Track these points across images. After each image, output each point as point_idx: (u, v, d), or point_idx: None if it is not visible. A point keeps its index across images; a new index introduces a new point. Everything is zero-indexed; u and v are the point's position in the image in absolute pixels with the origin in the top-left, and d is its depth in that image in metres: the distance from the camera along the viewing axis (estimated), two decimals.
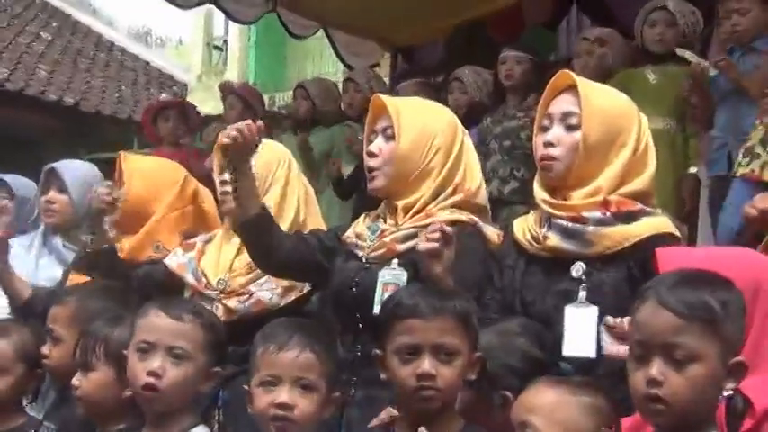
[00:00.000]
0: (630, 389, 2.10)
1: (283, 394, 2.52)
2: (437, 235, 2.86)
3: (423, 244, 2.89)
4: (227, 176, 3.41)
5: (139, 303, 3.13)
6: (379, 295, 3.08)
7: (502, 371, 2.55)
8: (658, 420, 2.06)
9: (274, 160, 3.77)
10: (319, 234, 3.46)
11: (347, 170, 6.42)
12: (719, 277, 2.15)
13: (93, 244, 4.25)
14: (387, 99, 3.34)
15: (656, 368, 2.03)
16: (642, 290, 2.14)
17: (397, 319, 2.52)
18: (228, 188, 3.40)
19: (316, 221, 3.80)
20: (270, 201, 3.61)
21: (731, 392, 2.16)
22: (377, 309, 3.02)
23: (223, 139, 3.19)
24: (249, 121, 3.22)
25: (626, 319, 2.49)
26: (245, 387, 2.62)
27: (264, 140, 3.73)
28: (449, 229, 2.88)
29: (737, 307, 2.09)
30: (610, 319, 2.56)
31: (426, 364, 2.46)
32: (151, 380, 2.70)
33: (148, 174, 4.21)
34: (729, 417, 2.22)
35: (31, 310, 4.04)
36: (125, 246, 4.05)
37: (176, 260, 3.82)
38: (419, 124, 3.25)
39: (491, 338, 2.60)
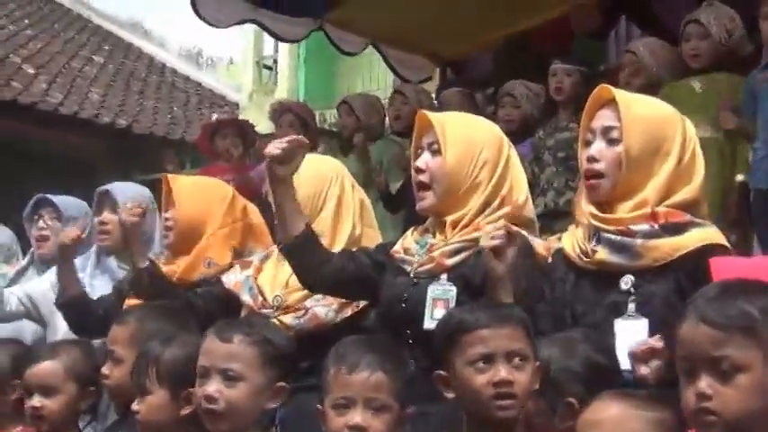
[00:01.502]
0: (682, 404, 2.11)
1: (356, 416, 2.55)
2: (502, 232, 2.89)
3: (486, 241, 2.91)
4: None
5: (201, 323, 3.20)
6: (429, 310, 3.11)
7: (565, 377, 2.56)
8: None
9: (328, 175, 3.78)
10: (369, 251, 3.48)
11: (394, 186, 6.44)
12: (757, 284, 2.16)
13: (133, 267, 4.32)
14: (431, 114, 3.37)
15: (705, 382, 2.04)
16: (684, 306, 2.15)
17: (465, 332, 2.53)
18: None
19: (372, 234, 3.83)
20: (326, 217, 3.64)
21: None
22: (427, 324, 3.06)
23: (269, 151, 3.23)
24: (294, 136, 3.26)
25: (651, 340, 2.50)
26: (319, 407, 2.65)
27: (318, 156, 3.79)
28: (514, 227, 2.92)
29: None
30: (635, 347, 2.57)
31: (503, 371, 2.47)
32: (208, 405, 2.78)
33: (197, 193, 4.26)
34: None
35: (75, 307, 4.20)
36: (179, 266, 4.10)
37: (234, 278, 3.84)
38: (465, 138, 3.27)
39: (552, 346, 2.62)
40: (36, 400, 3.38)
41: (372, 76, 12.43)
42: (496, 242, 2.88)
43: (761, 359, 2.03)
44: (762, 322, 2.03)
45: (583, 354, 2.61)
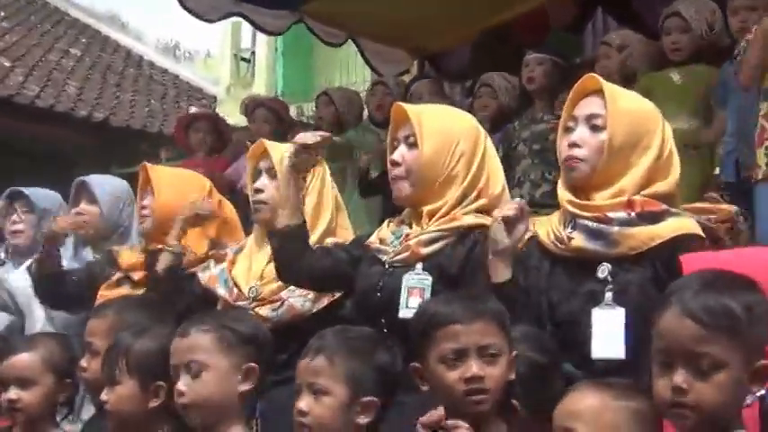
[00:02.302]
0: (654, 394, 2.12)
1: (300, 401, 2.61)
2: (517, 206, 2.92)
3: (499, 210, 2.93)
4: (260, 184, 3.56)
5: (178, 316, 3.21)
6: (404, 299, 3.12)
7: None
8: (684, 424, 2.07)
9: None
10: (346, 246, 3.51)
11: (374, 172, 6.45)
12: (742, 279, 2.15)
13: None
14: (408, 107, 3.38)
15: (681, 377, 2.04)
16: (665, 296, 2.15)
17: (437, 327, 2.52)
18: (263, 196, 3.50)
19: (345, 226, 3.85)
20: (306, 209, 3.64)
21: (763, 393, 2.18)
22: (402, 313, 3.07)
23: (304, 139, 3.29)
24: (322, 132, 3.36)
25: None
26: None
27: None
28: (527, 207, 2.94)
29: (762, 309, 2.08)
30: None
31: (474, 366, 2.47)
32: (178, 400, 2.83)
33: (176, 182, 4.33)
34: (764, 416, 2.25)
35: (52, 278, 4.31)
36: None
37: (208, 273, 3.85)
38: (441, 130, 3.28)
39: None
40: (12, 393, 3.36)
41: (351, 69, 12.41)
42: (511, 212, 2.89)
43: (740, 358, 2.03)
44: (745, 321, 2.03)
45: (522, 354, 2.60)
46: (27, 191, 4.98)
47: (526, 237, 3.17)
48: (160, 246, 4.07)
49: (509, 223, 2.90)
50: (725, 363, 2.03)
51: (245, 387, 2.85)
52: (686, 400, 2.03)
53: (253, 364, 2.85)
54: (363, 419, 2.61)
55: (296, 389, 2.65)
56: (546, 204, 5.44)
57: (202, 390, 2.81)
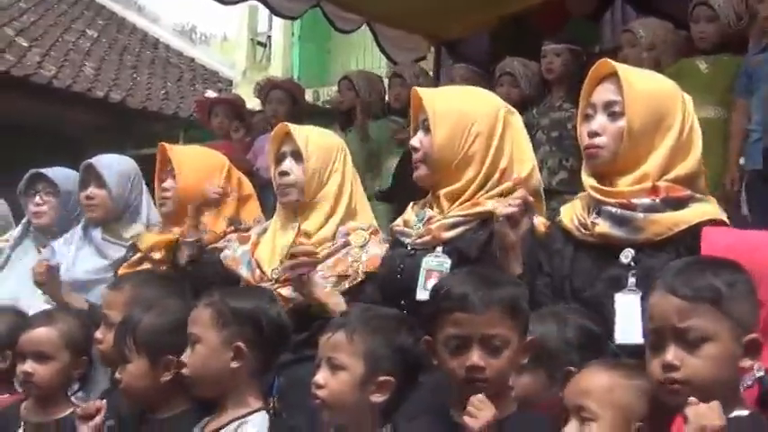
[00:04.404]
0: (649, 376, 2.18)
1: (317, 375, 2.63)
2: (519, 201, 2.90)
3: (503, 207, 2.92)
4: (286, 167, 3.60)
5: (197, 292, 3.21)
6: (422, 281, 3.12)
7: (561, 347, 2.61)
8: (678, 400, 2.10)
9: (333, 148, 3.78)
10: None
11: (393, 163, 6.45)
12: (725, 261, 2.24)
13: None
14: (422, 91, 3.38)
15: (672, 353, 2.12)
16: (653, 280, 2.23)
17: (445, 311, 2.52)
18: (289, 179, 3.58)
19: (365, 209, 3.83)
20: (329, 191, 3.66)
21: (762, 373, 2.24)
22: (420, 294, 3.07)
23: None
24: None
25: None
26: None
27: (323, 130, 3.84)
28: (530, 198, 2.93)
29: (745, 287, 2.17)
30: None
31: (475, 356, 2.47)
32: (183, 370, 2.89)
33: (196, 162, 4.30)
34: (763, 397, 2.28)
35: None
36: (175, 233, 4.12)
37: (231, 254, 3.83)
38: (455, 112, 3.27)
39: (544, 321, 2.64)
40: (28, 366, 3.37)
41: (367, 54, 12.40)
42: (512, 209, 2.89)
43: (727, 330, 2.11)
44: (727, 295, 2.12)
45: (574, 323, 2.66)
46: (49, 173, 4.93)
47: (546, 223, 3.17)
48: (178, 235, 4.07)
49: (512, 219, 2.90)
50: (711, 335, 2.10)
51: (235, 365, 2.85)
52: (678, 375, 2.10)
53: (240, 344, 2.85)
54: (378, 398, 2.61)
55: (316, 362, 2.66)
56: (562, 192, 5.46)
57: (195, 362, 2.86)
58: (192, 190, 4.15)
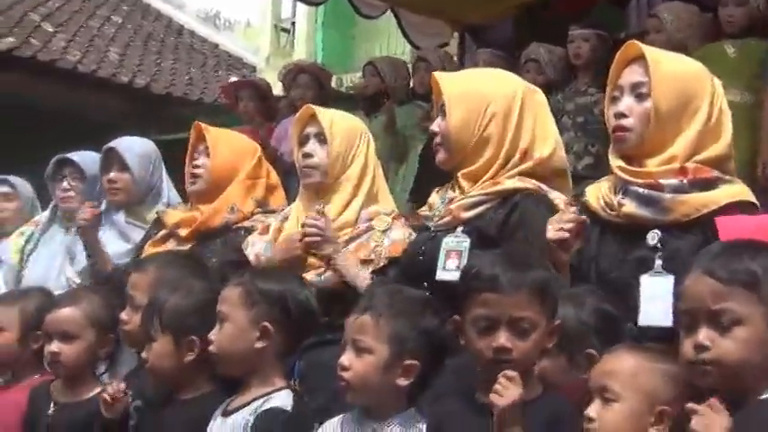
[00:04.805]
0: (680, 357, 2.19)
1: (343, 357, 2.64)
2: (571, 225, 2.82)
3: (554, 232, 2.85)
4: (310, 149, 3.64)
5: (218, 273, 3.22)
6: (442, 262, 3.12)
7: (580, 330, 2.60)
8: (708, 382, 2.12)
9: (357, 132, 3.79)
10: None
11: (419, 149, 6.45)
12: (763, 245, 2.22)
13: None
14: (440, 75, 3.40)
15: (703, 334, 2.12)
16: (689, 263, 2.23)
17: (475, 291, 2.51)
18: (313, 161, 3.62)
19: (385, 193, 3.84)
20: (352, 173, 3.68)
21: None
22: (439, 274, 3.09)
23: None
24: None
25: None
26: None
27: (346, 113, 3.86)
28: (584, 217, 2.86)
29: None
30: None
31: (502, 338, 2.45)
32: (210, 348, 2.90)
33: (231, 142, 4.33)
34: None
35: (110, 282, 4.13)
36: (203, 212, 4.13)
37: (253, 251, 3.82)
38: (470, 94, 3.28)
39: (562, 304, 2.60)
40: (54, 346, 3.39)
41: (391, 40, 12.36)
42: (563, 234, 2.82)
43: (760, 315, 2.10)
44: (764, 280, 2.10)
45: (591, 306, 2.66)
46: (75, 158, 4.94)
47: (566, 200, 3.15)
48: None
49: (565, 243, 2.83)
50: (744, 318, 2.10)
51: (260, 344, 2.86)
52: (708, 356, 2.10)
53: (266, 324, 2.86)
54: (403, 381, 2.61)
55: (342, 344, 2.67)
56: (588, 177, 5.44)
57: (222, 340, 2.87)
58: (225, 169, 4.17)
